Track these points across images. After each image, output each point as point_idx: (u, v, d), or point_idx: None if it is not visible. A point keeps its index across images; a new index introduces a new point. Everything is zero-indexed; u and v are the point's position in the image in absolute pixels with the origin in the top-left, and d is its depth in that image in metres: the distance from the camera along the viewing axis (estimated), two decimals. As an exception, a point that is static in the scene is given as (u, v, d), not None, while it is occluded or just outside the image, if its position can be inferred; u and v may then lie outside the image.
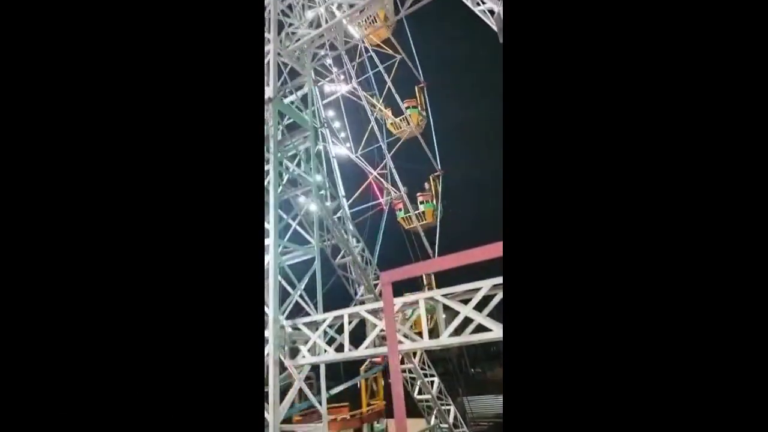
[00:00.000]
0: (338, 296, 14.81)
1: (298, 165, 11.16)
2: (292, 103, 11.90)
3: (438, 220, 16.62)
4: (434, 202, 16.73)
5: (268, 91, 10.51)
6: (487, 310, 6.56)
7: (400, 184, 16.86)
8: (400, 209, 16.89)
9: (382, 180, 16.92)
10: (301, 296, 9.54)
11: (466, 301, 7.04)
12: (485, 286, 6.62)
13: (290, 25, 11.83)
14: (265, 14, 11.56)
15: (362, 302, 14.26)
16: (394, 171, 16.83)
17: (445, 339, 6.94)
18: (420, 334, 7.23)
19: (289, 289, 9.48)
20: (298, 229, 10.67)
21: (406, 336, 7.40)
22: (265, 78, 10.76)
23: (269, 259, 8.98)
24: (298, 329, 8.81)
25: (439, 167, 16.89)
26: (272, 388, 8.04)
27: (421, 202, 16.68)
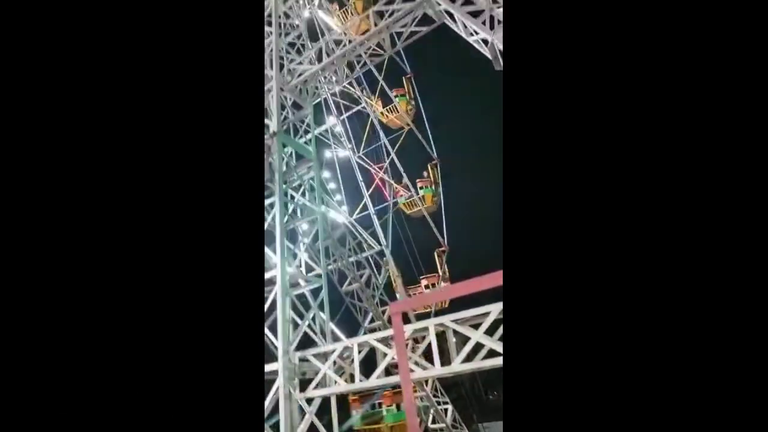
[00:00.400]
0: (346, 320, 14.68)
1: (303, 195, 11.36)
2: (296, 133, 12.21)
3: (437, 205, 16.75)
4: (433, 187, 16.90)
5: (272, 125, 10.83)
6: (498, 335, 6.51)
7: (402, 172, 16.97)
8: (402, 195, 17.00)
9: (385, 176, 17.03)
10: (309, 326, 9.51)
11: (476, 326, 7.00)
12: (495, 310, 6.60)
13: (291, 61, 12.29)
14: (268, 52, 12.05)
15: (372, 330, 14.12)
16: (396, 161, 16.93)
17: (457, 366, 6.86)
18: (430, 359, 7.17)
19: (297, 320, 9.46)
20: (305, 258, 10.74)
21: (417, 363, 7.33)
22: (270, 112, 11.11)
23: (277, 290, 9.01)
24: (308, 361, 8.73)
25: (435, 156, 17.12)
26: (284, 422, 7.90)
27: (421, 188, 16.87)
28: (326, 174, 17.71)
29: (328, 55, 11.48)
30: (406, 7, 9.98)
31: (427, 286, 15.97)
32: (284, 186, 10.70)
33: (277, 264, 9.27)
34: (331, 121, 17.83)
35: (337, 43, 11.44)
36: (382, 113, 16.87)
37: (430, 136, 17.05)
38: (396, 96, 16.84)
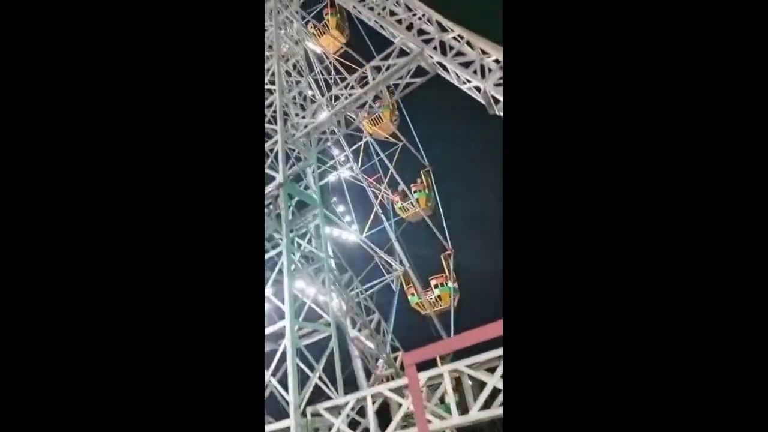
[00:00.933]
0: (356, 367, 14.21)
1: (309, 242, 11.49)
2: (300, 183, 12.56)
3: (432, 210, 16.97)
4: (426, 191, 16.98)
5: (278, 177, 11.18)
6: (514, 379, 6.32)
7: (400, 181, 17.23)
8: (397, 202, 17.24)
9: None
10: (320, 377, 9.26)
11: (491, 369, 6.82)
12: (509, 353, 6.45)
13: (296, 115, 12.91)
14: (274, 107, 12.69)
15: (384, 378, 13.66)
16: (393, 172, 17.33)
17: (475, 414, 6.61)
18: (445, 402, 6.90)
19: (307, 371, 9.24)
20: (313, 306, 10.66)
21: (433, 413, 7.06)
22: (275, 165, 11.51)
23: (286, 343, 8.88)
24: (320, 415, 8.42)
25: (427, 163, 17.54)
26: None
27: (415, 192, 17.07)
28: (334, 198, 18.10)
29: (330, 108, 12.08)
30: (401, 61, 10.63)
31: (436, 285, 16.33)
32: (291, 234, 10.85)
33: (285, 315, 9.21)
34: (334, 152, 18.43)
35: (337, 97, 12.07)
36: (400, 208, 17.44)
37: (420, 147, 17.68)
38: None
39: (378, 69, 11.10)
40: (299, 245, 11.33)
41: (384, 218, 17.54)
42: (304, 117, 12.74)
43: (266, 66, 13.57)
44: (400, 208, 16.98)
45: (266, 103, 12.90)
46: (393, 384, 7.83)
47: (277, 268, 10.20)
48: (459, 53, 9.91)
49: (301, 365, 9.05)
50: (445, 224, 16.97)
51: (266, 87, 13.29)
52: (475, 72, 9.56)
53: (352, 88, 11.61)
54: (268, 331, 9.52)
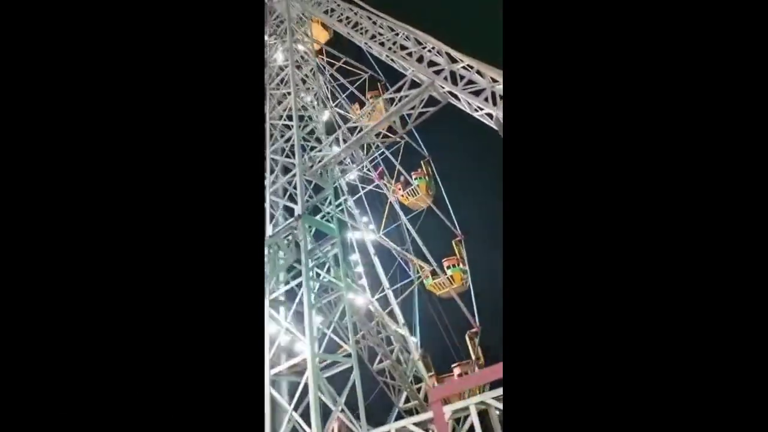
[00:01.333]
0: (378, 399, 13.80)
1: (328, 271, 11.55)
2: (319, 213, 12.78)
3: (466, 284, 16.19)
4: (461, 265, 16.44)
5: (298, 209, 11.42)
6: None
7: (426, 252, 16.88)
8: (428, 277, 16.50)
9: (408, 255, 16.99)
10: (342, 411, 9.06)
11: (519, 402, 6.55)
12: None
13: (312, 148, 13.31)
14: (291, 141, 13.14)
15: (407, 411, 13.24)
16: (417, 240, 17.00)
17: (505, 449, 6.31)
18: None
19: (329, 404, 9.06)
20: (333, 337, 10.58)
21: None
22: (295, 196, 11.79)
23: (308, 375, 8.79)
24: (344, 451, 8.18)
25: (459, 233, 16.96)
26: None
27: (448, 267, 16.29)
28: (354, 257, 17.89)
29: (345, 141, 12.42)
30: (413, 92, 10.95)
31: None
32: (310, 264, 10.95)
33: (306, 347, 9.16)
34: (350, 203, 18.57)
35: (352, 130, 12.43)
36: (403, 196, 17.26)
37: (452, 214, 17.22)
38: (416, 178, 17.28)
39: (391, 101, 11.44)
40: (318, 275, 11.39)
41: (401, 214, 17.37)
42: (320, 150, 13.12)
43: (284, 103, 14.17)
44: (431, 285, 16.24)
45: (285, 137, 13.37)
46: (418, 418, 7.60)
47: (297, 299, 10.25)
48: (470, 82, 10.16)
49: (323, 398, 8.89)
50: (473, 299, 16.32)
51: (284, 122, 13.82)
52: (486, 99, 9.74)
53: (367, 120, 11.95)
54: (288, 363, 9.46)
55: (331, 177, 13.15)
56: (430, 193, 17.07)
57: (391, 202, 17.66)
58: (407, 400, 13.89)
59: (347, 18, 13.86)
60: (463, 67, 10.35)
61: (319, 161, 12.74)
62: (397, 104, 11.23)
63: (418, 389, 13.96)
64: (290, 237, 11.39)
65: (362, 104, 17.26)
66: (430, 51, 11.09)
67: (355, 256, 17.52)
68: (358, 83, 17.66)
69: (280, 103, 14.41)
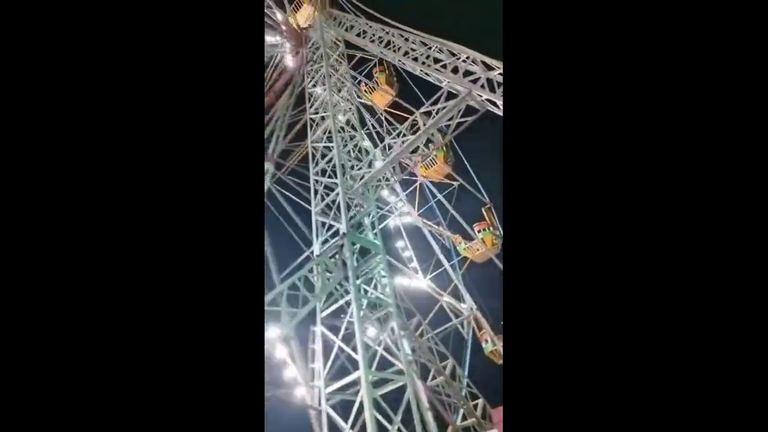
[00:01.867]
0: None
1: (375, 288, 11.58)
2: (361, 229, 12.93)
3: (450, 165, 15.96)
4: (491, 229, 16.19)
5: (342, 227, 11.64)
6: None
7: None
8: (460, 242, 16.32)
9: (452, 301, 16.64)
10: (399, 429, 8.91)
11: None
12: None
13: (352, 167, 13.58)
14: (333, 162, 13.49)
15: (465, 429, 12.79)
16: (455, 214, 16.76)
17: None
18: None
19: (385, 423, 8.95)
20: (385, 354, 10.51)
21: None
22: (338, 215, 12.04)
23: (363, 393, 8.76)
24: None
25: (488, 200, 16.70)
26: None
27: (479, 231, 16.19)
28: (399, 243, 18.01)
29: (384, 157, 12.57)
30: (450, 104, 10.91)
31: (479, 231, 16.01)
32: (357, 281, 11.04)
33: (359, 365, 9.16)
34: (392, 199, 18.68)
35: (391, 146, 12.55)
36: (465, 249, 16.88)
37: (479, 183, 17.04)
38: (479, 231, 16.55)
39: (428, 114, 11.46)
40: (365, 292, 11.45)
41: (445, 260, 17.15)
42: (360, 168, 13.35)
43: (323, 126, 14.63)
44: (464, 249, 16.38)
45: (326, 158, 13.76)
46: (478, 438, 7.29)
47: (347, 318, 10.34)
48: (508, 88, 9.96)
49: (378, 416, 8.81)
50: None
51: (324, 144, 14.24)
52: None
53: (404, 135, 12.04)
54: (341, 382, 9.50)
55: (372, 194, 13.31)
56: (448, 162, 16.82)
57: (421, 183, 17.62)
58: (464, 418, 13.43)
59: (379, 38, 14.18)
60: (500, 74, 10.19)
61: (361, 179, 12.95)
62: (434, 117, 11.23)
63: (475, 406, 13.47)
64: (337, 255, 11.59)
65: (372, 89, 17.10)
66: (464, 61, 11.05)
67: (401, 243, 17.59)
68: (366, 69, 17.51)
69: (319, 125, 14.91)
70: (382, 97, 16.24)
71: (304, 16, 17.95)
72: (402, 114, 15.52)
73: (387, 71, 16.02)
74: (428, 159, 16.24)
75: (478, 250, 15.86)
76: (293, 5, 18.28)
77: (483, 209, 16.68)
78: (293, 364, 14.77)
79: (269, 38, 19.19)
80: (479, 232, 16.18)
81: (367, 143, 14.88)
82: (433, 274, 17.09)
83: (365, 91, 16.68)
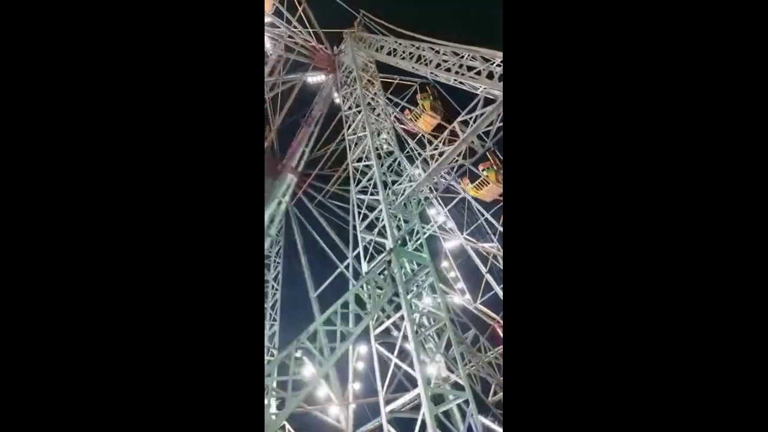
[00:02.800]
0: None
1: (425, 301, 11.38)
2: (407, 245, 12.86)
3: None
4: (495, 167, 16.14)
5: (388, 243, 11.64)
6: None
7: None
8: (468, 184, 16.17)
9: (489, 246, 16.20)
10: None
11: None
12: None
13: (393, 183, 13.65)
14: (373, 179, 13.66)
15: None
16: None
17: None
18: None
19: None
20: (441, 369, 10.20)
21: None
22: (384, 232, 12.08)
23: (424, 411, 8.52)
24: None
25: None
26: None
27: (484, 170, 16.16)
28: (444, 264, 17.73)
29: (425, 171, 12.54)
30: (488, 109, 10.74)
31: (483, 169, 16.11)
32: (408, 296, 10.91)
33: (418, 381, 8.95)
34: (439, 217, 18.54)
35: (431, 157, 12.51)
36: (472, 189, 17.24)
37: None
38: (483, 170, 17.22)
39: (466, 123, 11.35)
40: (417, 306, 11.28)
41: (494, 283, 16.64)
42: (401, 183, 13.39)
43: (361, 146, 14.91)
44: (472, 188, 16.44)
45: (367, 176, 13.95)
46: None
47: (401, 334, 10.20)
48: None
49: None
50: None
51: (364, 162, 14.48)
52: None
53: (444, 145, 11.98)
54: (402, 399, 9.30)
55: (415, 208, 13.26)
56: (500, 180, 16.53)
57: (468, 201, 17.44)
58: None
59: (410, 54, 14.38)
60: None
61: (402, 194, 12.97)
62: (472, 125, 11.10)
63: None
64: (385, 272, 11.56)
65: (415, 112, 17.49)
66: (499, 65, 10.90)
67: (446, 263, 17.32)
68: (408, 95, 17.94)
69: (357, 145, 15.21)
70: (428, 123, 16.61)
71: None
72: (440, 129, 15.63)
73: (431, 96, 16.39)
74: (479, 180, 16.33)
75: (484, 186, 15.84)
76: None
77: (487, 153, 16.64)
78: (326, 382, 14.74)
79: (315, 78, 20.02)
80: (484, 170, 16.29)
81: (405, 162, 14.95)
82: (484, 298, 16.60)
83: (410, 118, 17.07)
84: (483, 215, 17.49)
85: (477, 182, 16.18)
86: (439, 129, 16.30)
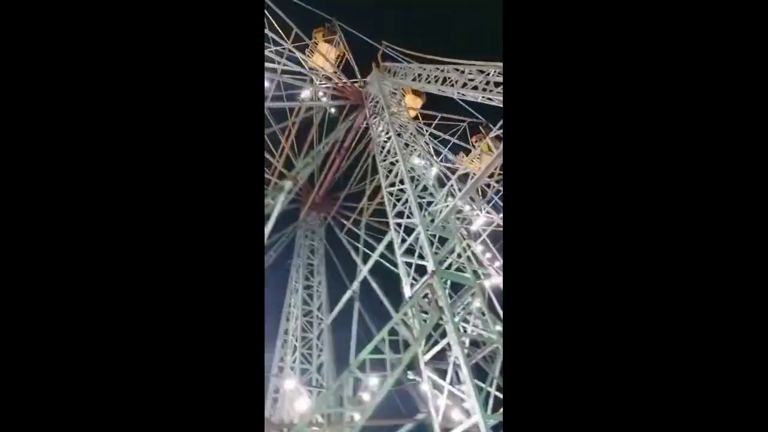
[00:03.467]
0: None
1: (475, 326, 10.98)
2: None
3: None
4: (488, 140, 15.95)
5: (430, 265, 11.47)
6: None
7: None
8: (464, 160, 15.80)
9: None
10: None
11: None
12: None
13: (429, 203, 13.60)
14: (408, 203, 13.67)
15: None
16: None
17: None
18: None
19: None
20: (498, 395, 9.69)
21: None
22: (424, 254, 11.94)
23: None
24: None
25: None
26: None
27: (476, 142, 16.45)
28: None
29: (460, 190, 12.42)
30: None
31: (475, 141, 16.15)
32: (455, 319, 10.59)
33: (475, 408, 8.53)
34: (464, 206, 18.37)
35: (463, 178, 12.42)
36: (468, 162, 17.31)
37: None
38: (476, 142, 17.28)
39: (499, 138, 11.24)
40: (465, 330, 10.90)
41: None
42: (437, 204, 13.31)
43: (394, 170, 15.07)
44: (468, 161, 16.45)
45: (402, 200, 14.01)
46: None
47: (452, 360, 9.86)
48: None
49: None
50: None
51: (398, 188, 14.59)
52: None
53: (479, 160, 11.86)
54: (460, 428, 8.86)
55: (453, 227, 13.08)
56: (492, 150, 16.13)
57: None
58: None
59: (435, 77, 14.61)
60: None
61: (439, 214, 12.86)
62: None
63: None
64: (429, 295, 11.35)
65: (468, 152, 17.73)
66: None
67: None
68: (458, 133, 18.21)
69: (390, 171, 15.39)
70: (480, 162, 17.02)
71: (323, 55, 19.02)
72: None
73: (488, 138, 16.79)
74: (473, 154, 16.52)
75: (478, 157, 16.01)
76: (309, 50, 19.56)
77: (480, 127, 16.83)
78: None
79: (337, 104, 20.82)
80: (476, 142, 16.27)
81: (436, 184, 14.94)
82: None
83: (468, 162, 17.45)
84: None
85: (471, 155, 16.29)
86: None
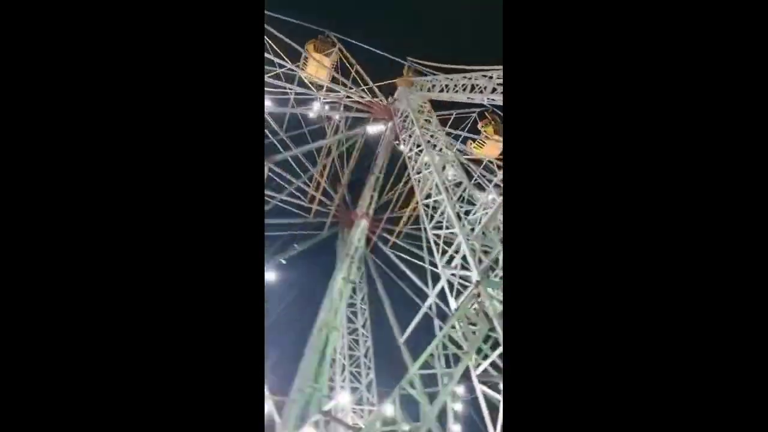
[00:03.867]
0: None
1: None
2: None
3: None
4: (493, 123, 16.09)
5: (474, 275, 11.22)
6: None
7: None
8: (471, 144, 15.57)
9: None
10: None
11: None
12: None
13: (466, 213, 13.40)
14: (445, 214, 13.54)
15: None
16: None
17: None
18: None
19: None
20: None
21: None
22: (467, 263, 11.72)
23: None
24: None
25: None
26: None
27: (481, 127, 16.66)
28: None
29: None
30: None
31: (482, 126, 16.24)
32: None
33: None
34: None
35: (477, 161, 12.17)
36: (476, 147, 17.47)
37: None
38: (481, 126, 17.31)
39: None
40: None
41: None
42: (476, 213, 13.09)
43: (428, 183, 15.03)
44: (476, 147, 16.42)
45: (439, 211, 13.90)
46: None
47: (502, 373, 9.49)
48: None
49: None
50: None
51: (433, 198, 14.50)
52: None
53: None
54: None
55: (496, 235, 12.76)
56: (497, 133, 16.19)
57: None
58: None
59: (462, 86, 14.60)
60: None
61: (479, 222, 12.62)
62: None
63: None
64: (476, 306, 11.07)
65: (475, 140, 17.95)
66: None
67: None
68: (467, 126, 18.26)
69: (424, 183, 15.35)
70: (495, 148, 16.99)
71: (315, 66, 19.26)
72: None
73: (493, 122, 16.58)
74: (479, 139, 16.42)
75: (485, 142, 16.31)
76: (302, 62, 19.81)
77: (486, 113, 16.91)
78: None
79: (375, 128, 21.21)
80: (482, 127, 16.31)
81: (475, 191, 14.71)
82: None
83: (474, 147, 17.38)
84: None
85: (477, 141, 16.13)
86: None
